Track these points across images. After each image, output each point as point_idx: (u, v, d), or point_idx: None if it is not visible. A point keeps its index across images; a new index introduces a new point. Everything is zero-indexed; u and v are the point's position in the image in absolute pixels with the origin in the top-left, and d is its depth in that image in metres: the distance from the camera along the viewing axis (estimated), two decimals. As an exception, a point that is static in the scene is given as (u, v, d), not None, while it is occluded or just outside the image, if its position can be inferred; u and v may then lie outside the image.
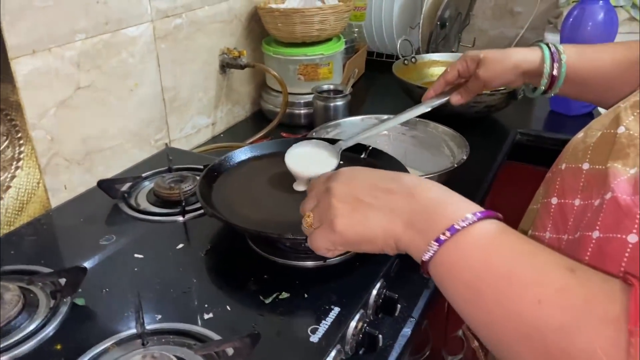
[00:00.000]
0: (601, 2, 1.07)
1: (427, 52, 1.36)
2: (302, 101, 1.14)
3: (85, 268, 0.55)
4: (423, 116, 0.97)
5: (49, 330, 0.52)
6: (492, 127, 1.13)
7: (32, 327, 0.52)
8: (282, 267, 0.60)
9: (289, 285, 0.57)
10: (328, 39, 1.14)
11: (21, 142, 0.73)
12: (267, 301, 0.55)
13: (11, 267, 0.60)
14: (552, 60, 0.68)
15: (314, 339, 0.50)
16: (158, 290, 0.57)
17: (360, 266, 0.60)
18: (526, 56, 0.71)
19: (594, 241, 0.42)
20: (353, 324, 0.52)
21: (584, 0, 1.08)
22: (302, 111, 1.15)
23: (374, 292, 0.57)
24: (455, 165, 0.76)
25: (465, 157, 0.78)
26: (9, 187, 0.73)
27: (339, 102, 1.06)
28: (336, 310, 0.53)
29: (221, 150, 1.03)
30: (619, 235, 0.40)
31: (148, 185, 0.78)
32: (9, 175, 0.72)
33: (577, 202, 0.51)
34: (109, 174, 0.85)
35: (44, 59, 0.74)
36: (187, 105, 1.02)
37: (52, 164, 0.78)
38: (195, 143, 1.07)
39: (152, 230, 0.68)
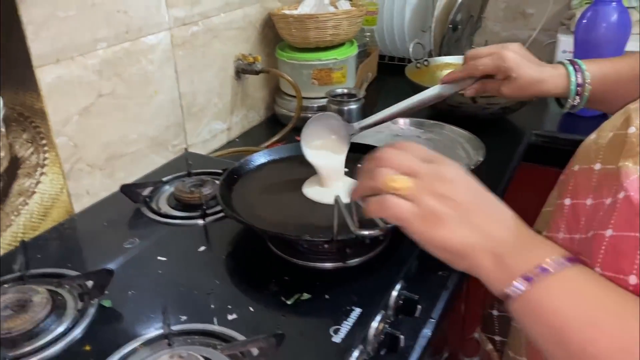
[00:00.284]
0: (614, 3, 1.07)
1: (439, 55, 1.36)
2: (315, 105, 1.16)
3: (112, 270, 0.57)
4: (438, 118, 0.98)
5: (78, 332, 0.53)
6: (506, 128, 1.13)
7: (60, 329, 0.53)
8: (302, 268, 0.61)
9: (309, 286, 0.58)
10: (341, 44, 1.15)
11: (45, 148, 0.75)
12: (289, 302, 0.56)
13: (39, 270, 0.61)
14: (577, 88, 0.69)
15: (337, 339, 0.51)
16: (182, 291, 0.58)
17: (380, 267, 0.61)
18: (556, 85, 0.71)
19: (607, 239, 0.43)
20: (374, 324, 0.52)
21: (597, 2, 1.08)
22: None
23: (394, 293, 0.57)
24: (472, 167, 0.77)
25: (481, 159, 0.78)
26: (33, 192, 0.74)
27: (353, 106, 1.07)
28: (357, 311, 0.54)
29: (237, 154, 1.04)
30: (632, 234, 0.41)
31: (168, 189, 0.79)
32: (34, 181, 0.74)
33: (588, 201, 0.52)
34: (129, 179, 0.86)
35: (67, 68, 0.75)
36: (203, 111, 1.04)
37: (75, 170, 0.79)
38: (212, 148, 1.08)
39: (174, 233, 0.69)
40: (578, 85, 0.69)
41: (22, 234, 0.73)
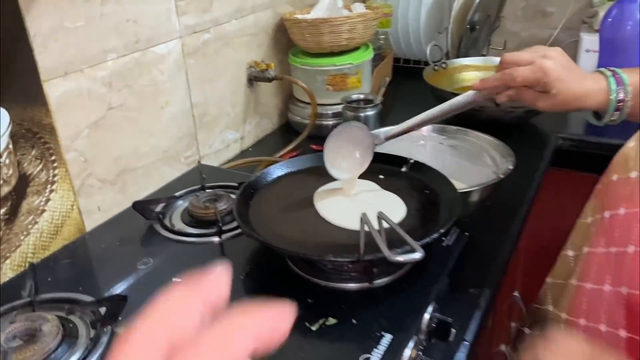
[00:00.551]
0: (641, -1, 1.02)
1: (457, 56, 1.32)
2: (330, 112, 1.12)
3: (125, 297, 0.53)
4: (459, 123, 0.94)
5: (91, 362, 0.50)
6: (530, 132, 1.09)
7: (73, 359, 0.50)
8: (326, 289, 0.58)
9: (335, 309, 0.54)
10: (356, 48, 1.11)
11: (55, 164, 0.72)
12: (314, 328, 0.52)
13: (49, 295, 0.58)
14: (617, 104, 0.64)
15: (367, 368, 0.47)
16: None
17: (409, 288, 0.57)
18: (596, 101, 0.65)
19: None
20: (407, 352, 0.49)
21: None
22: (330, 122, 1.12)
23: (427, 315, 0.54)
24: (502, 177, 0.72)
25: (511, 167, 0.74)
26: (43, 210, 0.72)
27: (370, 112, 1.03)
28: (388, 337, 0.50)
29: (251, 165, 1.01)
30: None
31: (182, 204, 0.76)
32: (44, 199, 0.71)
33: (621, 211, 0.48)
34: (141, 194, 0.84)
35: (76, 80, 0.73)
36: (216, 121, 1.01)
37: (86, 186, 0.76)
38: (225, 158, 1.05)
39: (189, 251, 0.66)
40: (619, 101, 0.64)
41: (32, 254, 0.70)
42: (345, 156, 0.67)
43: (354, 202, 0.65)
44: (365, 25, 1.06)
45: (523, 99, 0.68)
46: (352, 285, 0.57)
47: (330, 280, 0.58)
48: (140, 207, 0.71)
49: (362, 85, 1.12)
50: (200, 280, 0.23)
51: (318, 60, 1.08)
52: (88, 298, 0.57)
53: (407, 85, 1.36)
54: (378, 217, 0.52)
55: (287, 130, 1.18)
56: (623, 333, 0.51)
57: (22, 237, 0.69)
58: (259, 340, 0.21)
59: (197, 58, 0.93)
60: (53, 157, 0.72)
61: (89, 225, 0.77)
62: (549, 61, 0.65)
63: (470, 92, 0.70)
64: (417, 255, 0.44)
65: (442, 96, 1.12)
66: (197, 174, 0.81)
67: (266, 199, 0.67)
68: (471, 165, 0.85)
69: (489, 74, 1.26)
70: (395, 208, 0.62)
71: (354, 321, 0.53)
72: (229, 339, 0.21)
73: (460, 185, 0.82)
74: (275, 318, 0.22)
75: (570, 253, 0.62)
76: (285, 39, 1.15)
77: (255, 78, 1.07)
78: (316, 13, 1.13)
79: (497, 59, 1.26)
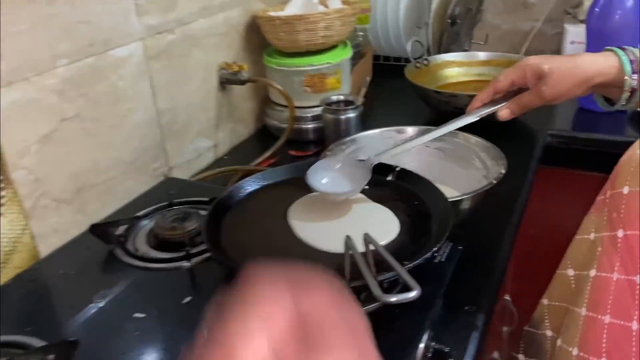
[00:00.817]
0: (630, -13, 0.98)
1: (439, 52, 1.27)
2: (309, 115, 1.06)
3: (76, 342, 0.46)
4: (444, 122, 0.88)
5: (37, 419, 0.43)
6: (517, 129, 1.04)
7: (15, 418, 0.43)
8: (309, 319, 0.51)
9: (319, 344, 0.48)
10: (334, 46, 1.05)
11: (1, 185, 0.65)
12: (296, 367, 0.45)
13: (-8, 338, 0.51)
14: (633, 71, 0.57)
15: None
16: (162, 357, 0.48)
17: (402, 315, 0.51)
18: (601, 68, 0.59)
19: None
20: (403, 393, 0.43)
21: (611, -12, 0.99)
22: (309, 126, 1.06)
23: (421, 346, 0.48)
24: (494, 182, 0.67)
25: (503, 171, 0.69)
26: (-11, 237, 0.64)
27: (351, 114, 0.97)
28: (380, 374, 0.44)
29: (226, 174, 0.94)
30: None
31: (147, 224, 0.69)
32: (-11, 225, 0.64)
33: None
34: (103, 212, 0.76)
35: (23, 91, 0.65)
36: (186, 128, 0.93)
37: (39, 207, 0.69)
38: (197, 168, 0.98)
39: (154, 280, 0.59)
40: (632, 61, 0.57)
41: (-22, 288, 0.62)
42: (337, 175, 0.60)
43: (339, 219, 0.58)
44: (342, 21, 1.00)
45: (526, 103, 0.62)
46: (337, 314, 0.51)
47: (313, 308, 0.51)
48: (99, 230, 0.63)
49: (341, 85, 1.06)
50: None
51: (294, 60, 1.02)
52: (36, 342, 0.50)
53: (388, 83, 1.30)
54: (364, 239, 0.45)
55: (264, 136, 1.11)
56: None
57: (-35, 269, 0.62)
58: None
59: (162, 61, 0.86)
60: (-2, 177, 0.64)
61: (44, 250, 0.69)
62: (528, 58, 0.62)
63: (464, 117, 0.64)
64: (413, 294, 0.37)
65: (425, 95, 1.06)
66: (164, 189, 0.74)
67: (240, 217, 0.60)
68: (460, 168, 0.79)
69: (472, 69, 1.22)
70: (386, 224, 0.56)
71: (341, 357, 0.46)
72: None
73: (449, 191, 0.76)
74: None
75: (570, 272, 0.56)
76: (259, 38, 1.08)
77: (227, 81, 1.00)
78: (290, 10, 1.06)
79: (481, 54, 1.22)
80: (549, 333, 0.59)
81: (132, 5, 0.79)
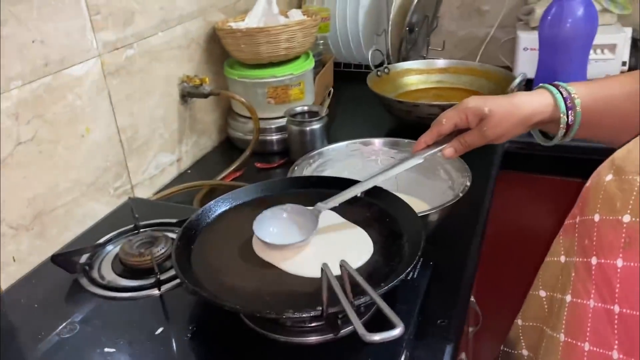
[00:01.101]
0: (579, -3, 1.02)
1: (398, 59, 1.29)
2: (273, 126, 1.05)
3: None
4: (407, 132, 0.89)
5: None
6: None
7: None
8: (286, 345, 0.51)
9: (299, 370, 0.48)
10: (296, 57, 1.05)
11: (-47, 216, 0.61)
12: (277, 396, 0.45)
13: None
14: (567, 108, 0.59)
15: None
16: (139, 395, 0.46)
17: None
18: (537, 107, 0.61)
19: None
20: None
21: (562, -4, 1.03)
22: (274, 137, 1.05)
23: (399, 367, 0.48)
24: (460, 195, 0.68)
25: (469, 183, 0.70)
26: (-58, 271, 0.60)
27: (316, 126, 0.97)
28: (361, 400, 0.44)
29: (191, 190, 0.92)
30: None
31: (112, 249, 0.67)
32: (-59, 259, 0.60)
33: (619, 262, 0.44)
34: (64, 237, 0.73)
35: (-26, 115, 0.62)
36: (147, 144, 0.91)
37: (-5, 236, 0.66)
38: (161, 184, 0.96)
39: (123, 311, 0.57)
40: (565, 99, 0.59)
41: None
42: (285, 224, 0.59)
43: (312, 243, 0.58)
44: (304, 33, 1.00)
45: (469, 142, 0.64)
46: (315, 339, 0.51)
47: (290, 334, 0.51)
48: (61, 259, 0.61)
49: (305, 96, 1.05)
50: None
51: (256, 72, 1.01)
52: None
53: (350, 91, 1.30)
54: (341, 266, 0.45)
55: (228, 148, 1.10)
56: None
57: None
58: None
59: (120, 77, 0.83)
60: (-50, 208, 0.61)
61: (6, 281, 0.66)
62: (467, 99, 0.63)
63: (411, 159, 0.65)
64: (397, 331, 0.38)
65: (388, 104, 1.07)
66: (127, 211, 0.71)
67: (210, 241, 0.59)
68: (426, 179, 0.81)
69: (431, 77, 1.24)
70: (360, 245, 0.56)
71: (321, 384, 0.46)
72: None
73: (417, 202, 0.78)
74: None
75: (542, 294, 0.58)
76: (219, 50, 1.06)
77: (189, 94, 0.98)
78: (251, 20, 1.05)
79: (439, 62, 1.24)
80: (525, 352, 0.61)
81: (87, 22, 0.76)
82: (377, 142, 0.85)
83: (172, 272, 0.61)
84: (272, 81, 1.01)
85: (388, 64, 1.22)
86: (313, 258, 0.54)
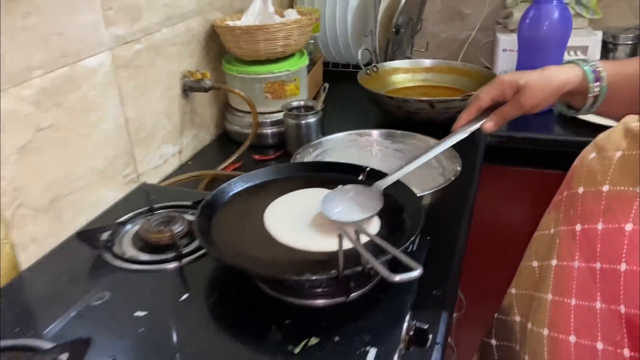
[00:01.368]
0: (555, 1, 1.10)
1: (385, 59, 1.35)
2: (269, 120, 1.10)
3: (88, 339, 0.49)
4: (397, 125, 0.95)
5: (55, 416, 0.45)
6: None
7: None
8: (301, 308, 0.56)
9: (315, 328, 0.53)
10: (291, 55, 1.10)
11: (-20, 197, 0.65)
12: (297, 350, 0.51)
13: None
14: (595, 79, 0.64)
15: (358, 386, 0.47)
16: (172, 352, 0.51)
17: (385, 299, 0.57)
18: (568, 77, 0.65)
19: None
20: (395, 364, 0.49)
21: (538, 0, 1.11)
22: (269, 130, 1.10)
23: (405, 324, 0.54)
24: (452, 178, 0.75)
25: (459, 169, 0.77)
26: (-31, 249, 0.64)
27: (311, 119, 1.03)
28: (373, 351, 0.50)
29: (193, 180, 0.96)
30: None
31: (130, 229, 0.71)
32: (-30, 237, 0.64)
33: (599, 226, 0.50)
34: (79, 220, 0.77)
35: (1, 102, 0.65)
36: (152, 135, 0.95)
37: (18, 216, 0.69)
38: (164, 174, 1.00)
39: (148, 281, 0.62)
40: (594, 71, 0.64)
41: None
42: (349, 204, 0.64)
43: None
44: (300, 31, 1.05)
45: (507, 114, 0.68)
46: (328, 301, 0.56)
47: (305, 297, 0.57)
48: (86, 236, 0.65)
49: (300, 92, 1.11)
50: None
51: (255, 68, 1.06)
52: (41, 343, 0.51)
53: (339, 88, 1.36)
54: (356, 231, 0.51)
55: (225, 141, 1.14)
56: (627, 352, 0.52)
57: (-53, 282, 0.61)
58: None
59: (129, 70, 0.87)
60: (-22, 189, 0.64)
61: (26, 261, 0.70)
62: (503, 75, 0.68)
63: (458, 134, 0.70)
64: (417, 272, 0.44)
65: (378, 100, 1.14)
66: (140, 195, 0.76)
67: (226, 218, 0.64)
68: (418, 168, 0.87)
69: (417, 75, 1.31)
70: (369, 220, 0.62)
71: (336, 338, 0.52)
72: None
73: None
74: None
75: (534, 264, 0.64)
76: (217, 47, 1.11)
77: (190, 88, 1.03)
78: (247, 19, 1.11)
79: (425, 62, 1.32)
80: (517, 318, 0.66)
81: (101, 16, 0.80)
82: (373, 133, 0.91)
83: (189, 248, 0.66)
84: (269, 77, 1.06)
85: (376, 63, 1.29)
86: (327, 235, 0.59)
